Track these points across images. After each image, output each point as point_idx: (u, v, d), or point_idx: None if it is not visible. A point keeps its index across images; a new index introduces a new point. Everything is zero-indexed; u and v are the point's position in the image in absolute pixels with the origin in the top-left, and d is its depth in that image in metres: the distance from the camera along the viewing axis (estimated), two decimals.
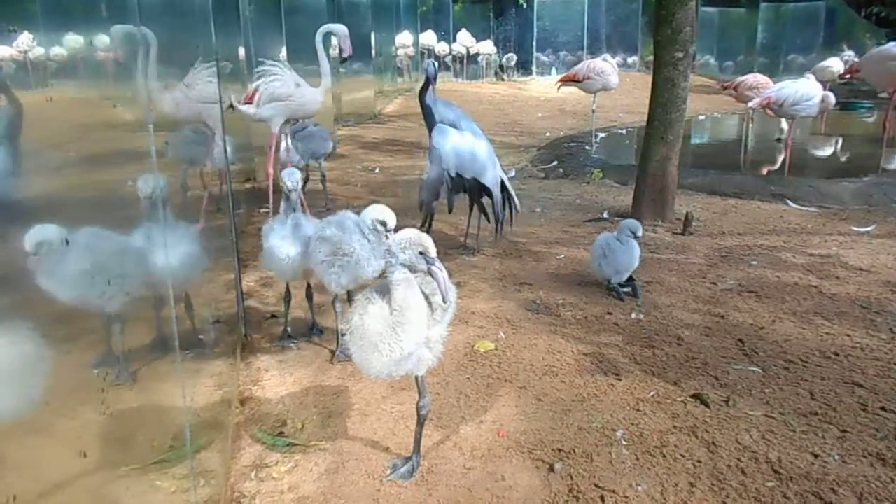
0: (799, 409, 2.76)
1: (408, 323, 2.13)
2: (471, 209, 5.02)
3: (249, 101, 5.05)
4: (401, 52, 14.09)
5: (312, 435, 2.70)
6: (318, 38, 5.10)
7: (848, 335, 3.43)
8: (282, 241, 3.14)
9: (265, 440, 2.66)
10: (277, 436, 2.69)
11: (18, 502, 1.10)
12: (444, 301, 2.13)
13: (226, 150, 3.68)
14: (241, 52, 5.52)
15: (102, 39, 1.90)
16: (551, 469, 2.43)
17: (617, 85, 9.21)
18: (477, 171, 4.56)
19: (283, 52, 7.49)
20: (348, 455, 2.55)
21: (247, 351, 3.43)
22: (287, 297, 3.47)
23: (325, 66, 5.27)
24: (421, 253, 2.08)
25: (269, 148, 5.23)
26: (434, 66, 4.64)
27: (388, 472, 2.43)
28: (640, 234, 3.92)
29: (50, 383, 1.32)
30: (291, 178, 3.13)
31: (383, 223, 3.06)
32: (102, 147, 1.84)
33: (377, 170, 8.12)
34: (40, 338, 1.33)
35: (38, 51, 1.52)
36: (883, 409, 2.74)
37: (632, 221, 3.97)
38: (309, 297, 3.53)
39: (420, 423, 2.41)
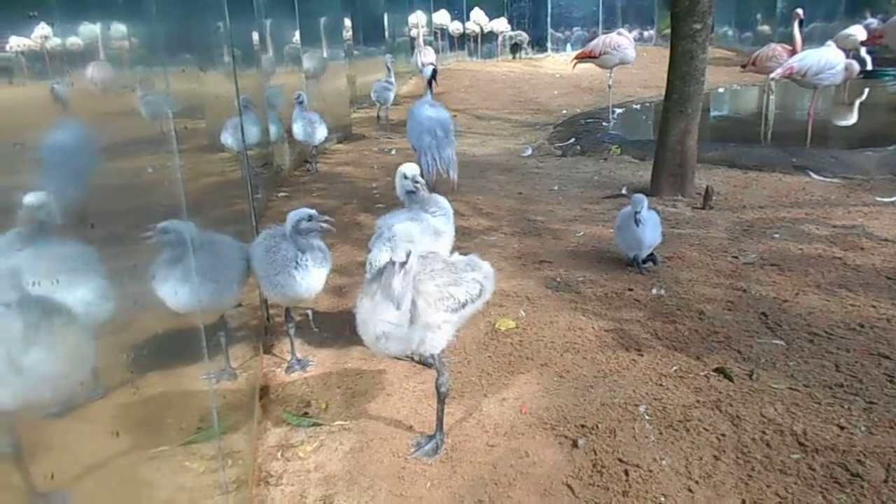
0: (824, 382, 2.74)
1: (381, 304, 2.15)
2: None
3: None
4: (414, 31, 13.99)
5: (336, 415, 2.73)
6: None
7: (873, 306, 3.39)
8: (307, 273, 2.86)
9: (290, 421, 2.70)
10: (302, 416, 2.73)
11: (56, 480, 1.13)
12: (397, 307, 2.11)
13: (243, 134, 3.69)
14: (255, 37, 5.52)
15: (118, 28, 1.91)
16: (575, 445, 2.44)
17: (634, 58, 9.08)
18: None
19: (297, 37, 7.48)
20: (373, 434, 2.58)
21: (269, 334, 3.47)
22: (289, 316, 3.14)
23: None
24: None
25: None
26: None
27: (413, 450, 2.46)
28: (639, 209, 3.80)
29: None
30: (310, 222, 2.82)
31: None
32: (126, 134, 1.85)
33: (393, 151, 8.11)
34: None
35: (55, 41, 1.53)
36: None
37: (636, 197, 3.90)
38: (289, 319, 3.14)
39: (441, 400, 2.43)
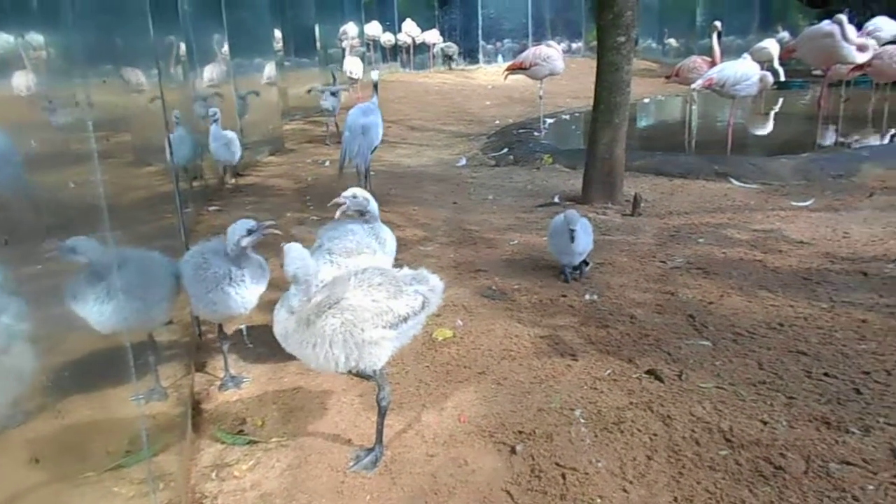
0: (748, 379, 2.86)
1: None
2: None
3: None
4: (345, 43, 13.96)
5: (273, 431, 2.68)
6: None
7: (791, 306, 3.56)
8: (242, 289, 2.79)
9: (225, 439, 2.63)
10: (237, 434, 2.66)
11: None
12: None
13: (170, 148, 3.61)
14: (182, 48, 5.39)
15: (35, 38, 1.84)
16: (513, 451, 2.47)
17: (563, 69, 9.31)
18: None
19: (226, 48, 7.34)
20: (310, 449, 2.54)
21: (202, 351, 3.38)
22: (222, 333, 3.07)
23: None
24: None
25: None
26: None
27: (352, 463, 2.44)
28: (573, 226, 3.83)
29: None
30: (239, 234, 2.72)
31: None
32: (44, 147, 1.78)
33: (327, 163, 8.05)
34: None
35: None
36: (826, 374, 2.86)
37: (569, 213, 3.92)
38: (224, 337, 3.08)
39: (381, 414, 2.42)
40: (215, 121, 6.17)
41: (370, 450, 2.47)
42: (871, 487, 2.16)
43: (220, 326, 3.03)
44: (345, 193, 3.15)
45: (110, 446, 1.89)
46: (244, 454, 2.54)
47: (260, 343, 3.40)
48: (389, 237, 3.22)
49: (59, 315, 1.88)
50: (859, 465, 2.27)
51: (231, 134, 6.38)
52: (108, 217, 2.01)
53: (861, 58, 7.94)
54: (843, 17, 7.76)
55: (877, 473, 2.22)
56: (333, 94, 9.20)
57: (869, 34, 8.88)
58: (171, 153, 3.67)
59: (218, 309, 2.75)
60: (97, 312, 2.07)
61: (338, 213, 3.13)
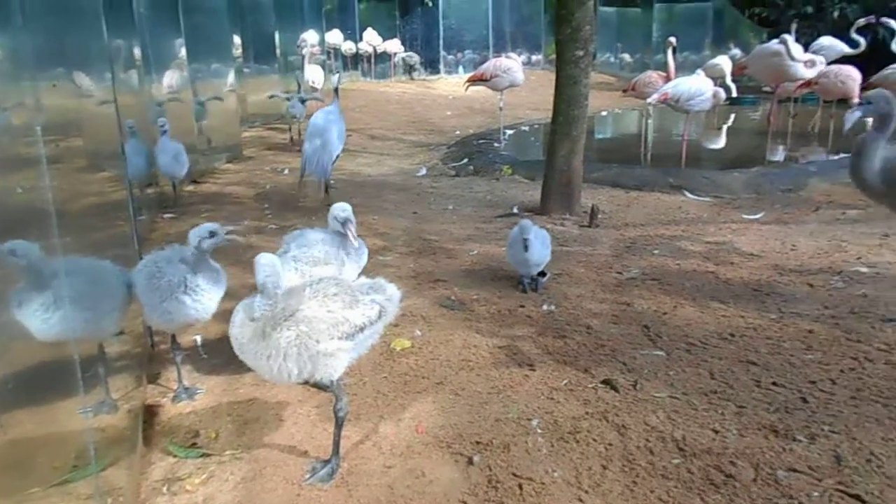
0: (700, 389, 2.92)
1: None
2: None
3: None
4: (305, 51, 13.89)
5: (227, 444, 2.63)
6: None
7: (742, 317, 3.65)
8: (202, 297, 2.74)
9: (177, 452, 2.57)
10: (190, 447, 2.61)
11: None
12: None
13: (124, 155, 3.54)
14: (137, 52, 5.29)
15: None
16: (470, 462, 2.47)
17: (523, 81, 9.42)
18: None
19: (183, 52, 7.23)
20: (265, 462, 2.51)
21: (154, 362, 3.30)
22: (175, 343, 2.99)
23: None
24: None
25: None
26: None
27: (307, 476, 2.41)
28: (527, 235, 3.84)
29: None
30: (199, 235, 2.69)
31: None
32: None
33: (286, 171, 7.97)
34: None
35: None
36: (774, 384, 2.94)
37: (523, 222, 3.95)
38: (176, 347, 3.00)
39: (338, 425, 2.40)
40: (164, 132, 5.79)
41: (326, 462, 2.44)
42: (815, 494, 2.22)
43: (174, 337, 2.97)
44: (346, 215, 3.11)
45: (56, 461, 1.83)
46: (197, 467, 2.49)
47: (215, 354, 3.34)
48: (364, 249, 3.26)
49: (2, 324, 1.82)
50: (805, 472, 2.34)
51: (179, 146, 5.97)
52: (56, 224, 1.95)
53: (809, 73, 8.22)
54: (788, 37, 8.03)
55: (822, 480, 2.29)
56: (302, 101, 9.33)
57: (815, 53, 9.21)
58: (125, 160, 3.59)
59: (173, 318, 2.70)
60: (41, 321, 2.02)
61: (356, 243, 3.12)
